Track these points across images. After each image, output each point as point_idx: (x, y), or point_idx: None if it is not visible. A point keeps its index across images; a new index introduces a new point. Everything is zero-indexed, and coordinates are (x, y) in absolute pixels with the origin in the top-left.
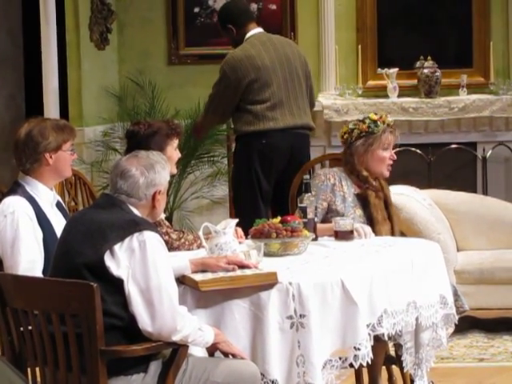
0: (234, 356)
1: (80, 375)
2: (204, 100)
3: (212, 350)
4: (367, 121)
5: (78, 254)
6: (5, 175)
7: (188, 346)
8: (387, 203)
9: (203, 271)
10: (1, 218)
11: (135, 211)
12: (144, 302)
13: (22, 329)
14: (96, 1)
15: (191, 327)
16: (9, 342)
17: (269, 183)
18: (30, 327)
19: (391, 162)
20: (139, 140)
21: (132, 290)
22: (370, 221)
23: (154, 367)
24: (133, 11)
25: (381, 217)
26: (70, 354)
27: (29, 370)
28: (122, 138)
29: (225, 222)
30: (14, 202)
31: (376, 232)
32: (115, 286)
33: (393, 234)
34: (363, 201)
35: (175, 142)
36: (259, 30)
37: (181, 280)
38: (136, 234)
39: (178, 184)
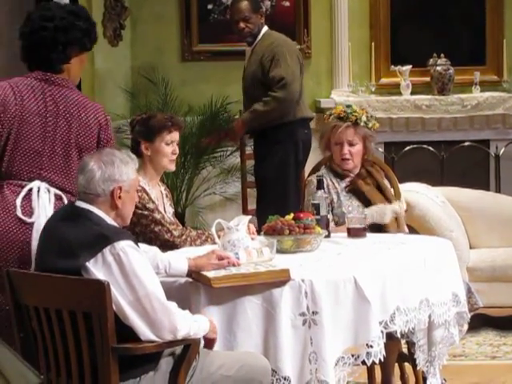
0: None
1: (91, 374)
2: (219, 96)
3: None
4: (331, 116)
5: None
6: None
7: (199, 342)
8: (381, 188)
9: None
10: None
11: (102, 215)
12: (137, 313)
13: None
14: None
15: (188, 321)
16: (21, 338)
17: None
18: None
19: (345, 157)
20: (132, 128)
21: (122, 303)
22: (369, 206)
23: (165, 364)
24: (146, 7)
25: (378, 199)
26: (81, 352)
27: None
28: None
29: (238, 219)
30: None
31: None
32: None
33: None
34: (355, 192)
35: (166, 136)
36: (266, 27)
37: (193, 277)
38: (108, 248)
39: (190, 181)
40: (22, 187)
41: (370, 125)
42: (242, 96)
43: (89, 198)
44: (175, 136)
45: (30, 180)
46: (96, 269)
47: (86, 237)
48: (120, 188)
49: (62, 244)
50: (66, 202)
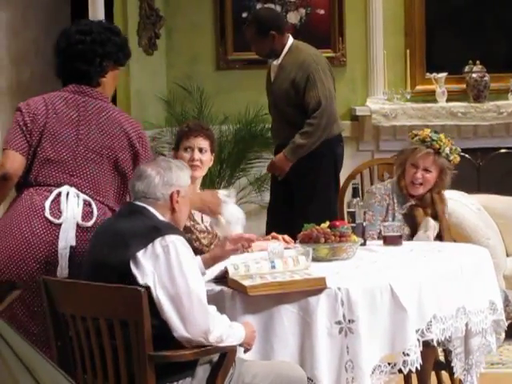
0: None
1: (128, 382)
2: (255, 104)
3: None
4: (416, 137)
5: (105, 267)
6: None
7: (236, 351)
8: (437, 217)
9: (247, 275)
10: None
11: (157, 214)
12: (174, 308)
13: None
14: (144, 6)
15: (223, 326)
16: (58, 347)
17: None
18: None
19: (418, 181)
20: None
21: (161, 296)
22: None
23: (202, 372)
24: (181, 16)
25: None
26: (118, 360)
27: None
28: (169, 142)
29: (227, 192)
30: None
31: None
32: None
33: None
34: (410, 218)
35: (185, 143)
36: (292, 38)
37: (230, 285)
38: (158, 239)
39: (226, 189)
40: (51, 192)
41: (451, 157)
42: (271, 109)
43: (149, 202)
44: (193, 142)
45: (59, 186)
46: (145, 259)
47: (139, 228)
48: (178, 192)
49: (115, 236)
50: (94, 208)
